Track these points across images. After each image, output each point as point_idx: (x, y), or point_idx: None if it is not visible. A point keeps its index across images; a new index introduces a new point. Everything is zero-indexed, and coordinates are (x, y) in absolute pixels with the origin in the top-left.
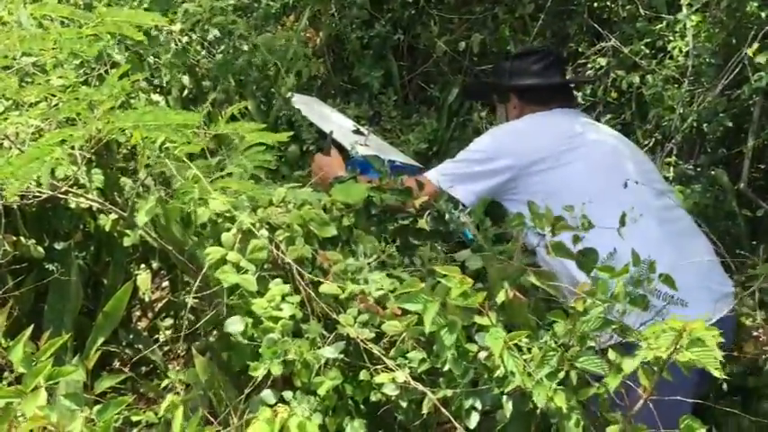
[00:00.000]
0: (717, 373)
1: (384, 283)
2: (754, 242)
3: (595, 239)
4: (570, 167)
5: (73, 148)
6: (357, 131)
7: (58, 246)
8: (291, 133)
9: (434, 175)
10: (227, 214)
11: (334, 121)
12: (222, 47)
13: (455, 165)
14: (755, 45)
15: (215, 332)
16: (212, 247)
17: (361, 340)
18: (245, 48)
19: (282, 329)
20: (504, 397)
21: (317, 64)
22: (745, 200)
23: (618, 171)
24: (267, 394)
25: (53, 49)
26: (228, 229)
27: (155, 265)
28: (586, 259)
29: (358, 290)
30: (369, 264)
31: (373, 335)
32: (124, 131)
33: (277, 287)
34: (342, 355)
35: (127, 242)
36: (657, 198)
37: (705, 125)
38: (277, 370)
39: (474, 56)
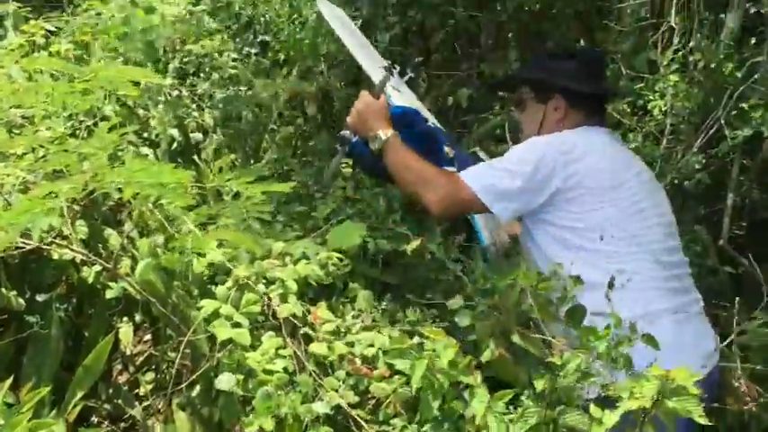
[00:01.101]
0: (702, 421)
1: (374, 341)
2: (738, 297)
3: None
4: (613, 207)
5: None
6: (387, 69)
7: (40, 298)
8: (293, 184)
9: (472, 182)
10: (223, 267)
11: (365, 49)
12: (218, 96)
13: (497, 175)
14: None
15: (197, 387)
16: (204, 300)
17: (346, 404)
18: (239, 98)
19: (277, 383)
20: None
21: (309, 117)
22: (727, 256)
23: (651, 216)
24: None
25: (44, 102)
26: (221, 282)
27: (137, 317)
28: (573, 316)
29: (346, 351)
30: (361, 320)
31: (357, 399)
32: (115, 187)
33: (270, 340)
34: (332, 411)
35: (110, 294)
36: (674, 251)
37: (685, 182)
38: (269, 425)
39: (461, 110)
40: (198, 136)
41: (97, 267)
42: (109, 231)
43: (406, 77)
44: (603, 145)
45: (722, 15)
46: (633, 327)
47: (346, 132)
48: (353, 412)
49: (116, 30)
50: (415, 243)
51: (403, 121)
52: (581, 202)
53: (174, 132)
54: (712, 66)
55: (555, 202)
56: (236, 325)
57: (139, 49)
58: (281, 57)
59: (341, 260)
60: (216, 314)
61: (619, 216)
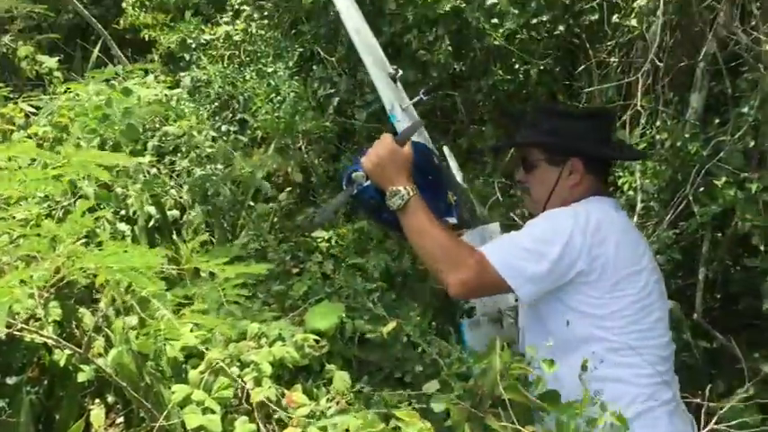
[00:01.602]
0: None
1: (349, 426)
2: (713, 372)
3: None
4: (628, 298)
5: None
6: (393, 77)
7: (11, 380)
8: (269, 266)
9: (500, 265)
10: (196, 350)
11: (374, 53)
12: (197, 173)
13: (524, 257)
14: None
15: None
16: (176, 385)
17: None
18: (216, 175)
19: None
20: None
21: (287, 194)
22: (702, 330)
23: (656, 309)
24: None
25: (17, 189)
26: (194, 365)
27: (110, 398)
28: (545, 400)
29: None
30: (336, 402)
31: None
32: (86, 272)
33: (243, 426)
34: None
35: (81, 378)
36: (670, 344)
37: (657, 256)
38: None
39: None
40: (175, 213)
41: (68, 351)
42: (83, 311)
43: (417, 99)
44: (621, 223)
45: (687, 95)
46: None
47: (358, 173)
48: None
49: (95, 112)
50: (390, 326)
51: (421, 166)
52: (600, 287)
53: (152, 209)
54: (678, 144)
55: (574, 282)
56: (209, 410)
57: (118, 131)
58: (259, 134)
59: (317, 341)
60: (188, 399)
61: (631, 309)
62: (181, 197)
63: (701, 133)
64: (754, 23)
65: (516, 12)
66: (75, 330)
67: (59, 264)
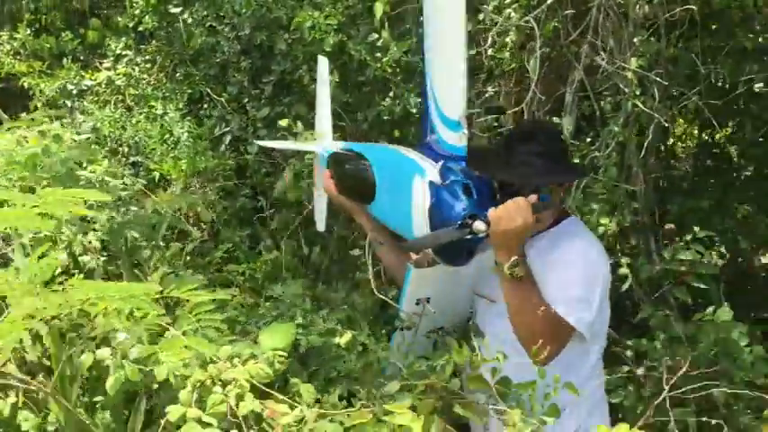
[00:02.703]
0: None
1: (331, 428)
2: None
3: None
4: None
5: None
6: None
7: None
8: (235, 293)
9: (582, 327)
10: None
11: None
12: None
13: (589, 309)
14: None
15: None
16: (170, 406)
17: None
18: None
19: None
20: None
21: (200, 231)
22: None
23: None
24: None
25: None
26: (179, 387)
27: None
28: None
29: None
30: (315, 409)
31: None
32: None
33: None
34: None
35: None
36: None
37: None
38: None
39: None
40: (85, 258)
41: None
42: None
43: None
44: None
45: (557, 119)
46: None
47: (480, 225)
48: None
49: (29, 159)
50: (346, 336)
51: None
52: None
53: (63, 257)
54: None
55: None
56: (206, 425)
57: (52, 177)
58: (156, 176)
59: (282, 356)
60: (183, 418)
61: (604, 329)
62: (90, 242)
63: (576, 151)
64: (611, 53)
65: (395, 47)
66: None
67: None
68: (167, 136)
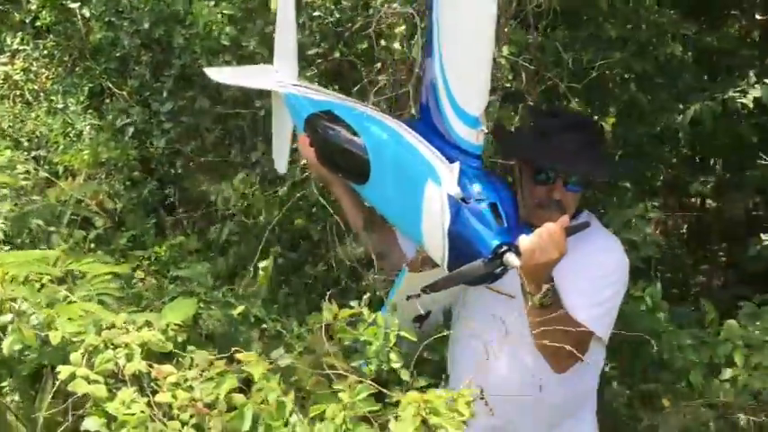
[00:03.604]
0: None
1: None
2: None
3: None
4: None
5: None
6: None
7: None
8: (135, 265)
9: (602, 331)
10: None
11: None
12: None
13: (609, 312)
14: None
15: None
16: (60, 366)
17: None
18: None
19: (136, 422)
20: None
21: (104, 219)
22: None
23: None
24: None
25: None
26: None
27: None
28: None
29: (188, 398)
30: (200, 371)
31: None
32: None
33: (124, 392)
34: None
35: None
36: None
37: None
38: None
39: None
40: None
41: None
42: None
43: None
44: None
45: None
46: None
47: (512, 257)
48: None
49: None
50: (240, 308)
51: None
52: None
53: None
54: None
55: None
56: (93, 382)
57: None
58: (60, 168)
59: (180, 326)
60: (73, 375)
61: None
62: None
63: None
64: None
65: None
66: None
67: None
68: (69, 129)
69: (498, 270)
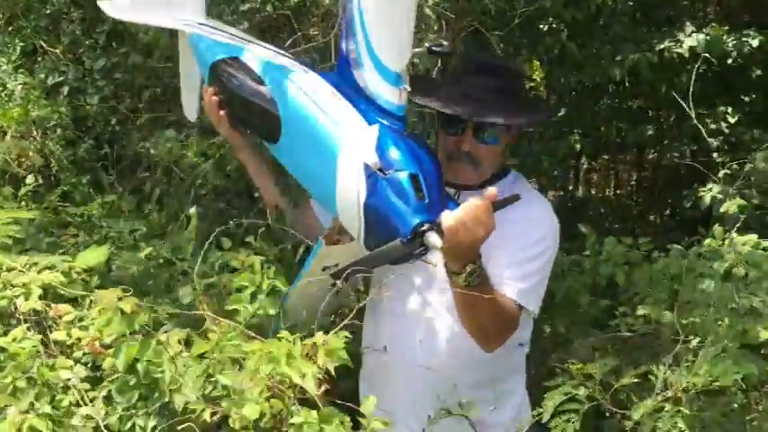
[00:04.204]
0: None
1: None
2: None
3: None
4: None
5: None
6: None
7: None
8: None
9: (532, 306)
10: None
11: None
12: None
13: (539, 279)
14: None
15: None
16: None
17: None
18: None
19: (28, 354)
20: None
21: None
22: None
23: None
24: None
25: None
26: None
27: None
28: None
29: (83, 335)
30: (99, 312)
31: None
32: None
33: (18, 329)
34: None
35: None
36: None
37: None
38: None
39: None
40: None
41: None
42: None
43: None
44: None
45: None
46: None
47: (433, 239)
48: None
49: None
50: (147, 249)
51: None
52: None
53: None
54: None
55: None
56: None
57: None
58: None
59: (87, 271)
60: None
61: None
62: None
63: None
64: None
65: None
66: None
67: None
68: (1, 89)
69: (418, 251)
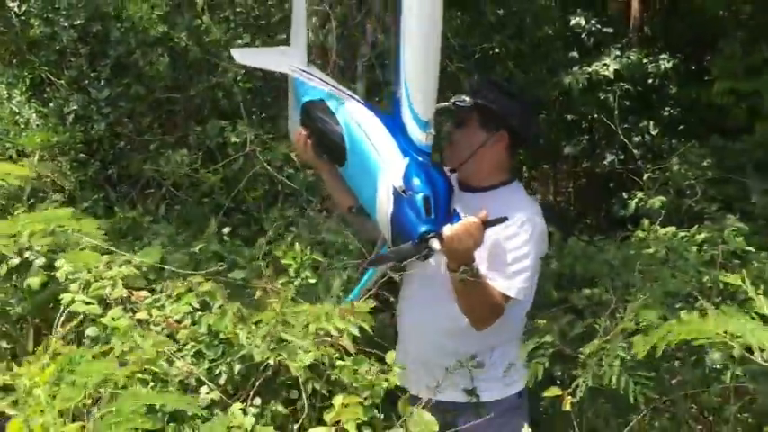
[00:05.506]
0: None
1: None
2: None
3: None
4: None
5: None
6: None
7: None
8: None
9: (523, 296)
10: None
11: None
12: None
13: (532, 278)
14: None
15: None
16: (63, 294)
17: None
18: None
19: (125, 330)
20: None
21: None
22: None
23: None
24: None
25: None
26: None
27: None
28: None
29: (161, 314)
30: (169, 293)
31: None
32: None
33: (114, 310)
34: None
35: None
36: None
37: None
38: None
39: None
40: None
41: None
42: None
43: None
44: None
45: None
46: None
47: (435, 242)
48: (167, 347)
49: None
50: (200, 244)
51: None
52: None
53: None
54: None
55: None
56: (88, 303)
57: None
58: (13, 153)
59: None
60: (73, 301)
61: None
62: None
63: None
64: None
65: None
66: None
67: None
68: (18, 117)
69: (425, 251)
